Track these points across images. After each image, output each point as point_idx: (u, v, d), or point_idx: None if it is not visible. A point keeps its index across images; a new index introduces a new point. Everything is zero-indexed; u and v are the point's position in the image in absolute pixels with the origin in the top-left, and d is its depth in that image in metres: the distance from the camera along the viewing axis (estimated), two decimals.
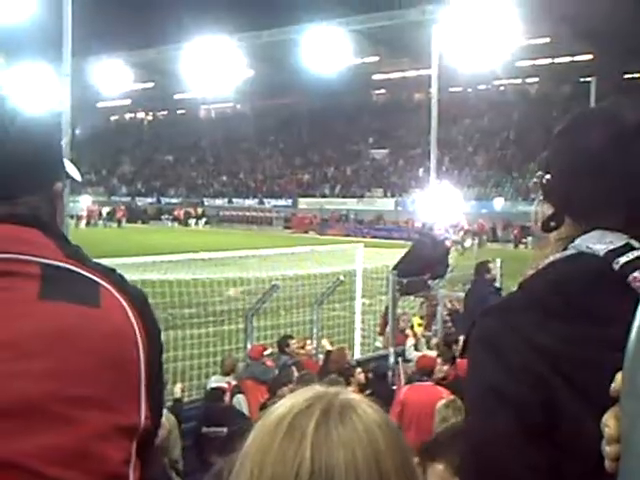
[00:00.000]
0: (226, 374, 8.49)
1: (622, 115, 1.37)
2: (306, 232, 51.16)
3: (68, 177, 1.52)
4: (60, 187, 1.43)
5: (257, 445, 0.93)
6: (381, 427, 0.93)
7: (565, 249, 1.35)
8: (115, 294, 1.26)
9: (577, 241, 1.32)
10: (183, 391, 8.21)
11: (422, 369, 7.64)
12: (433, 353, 9.31)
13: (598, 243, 1.29)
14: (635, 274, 1.20)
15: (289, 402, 0.96)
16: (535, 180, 1.48)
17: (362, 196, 59.09)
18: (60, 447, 1.09)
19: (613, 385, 0.80)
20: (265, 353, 9.12)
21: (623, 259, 1.23)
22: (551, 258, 1.36)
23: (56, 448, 1.09)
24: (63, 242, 1.33)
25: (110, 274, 1.32)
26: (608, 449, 0.78)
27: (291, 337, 9.92)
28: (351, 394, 0.98)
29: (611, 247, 1.27)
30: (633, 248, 1.25)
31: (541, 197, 1.45)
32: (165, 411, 6.88)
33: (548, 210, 1.41)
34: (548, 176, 1.42)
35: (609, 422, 0.79)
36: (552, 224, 1.39)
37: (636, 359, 0.75)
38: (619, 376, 0.79)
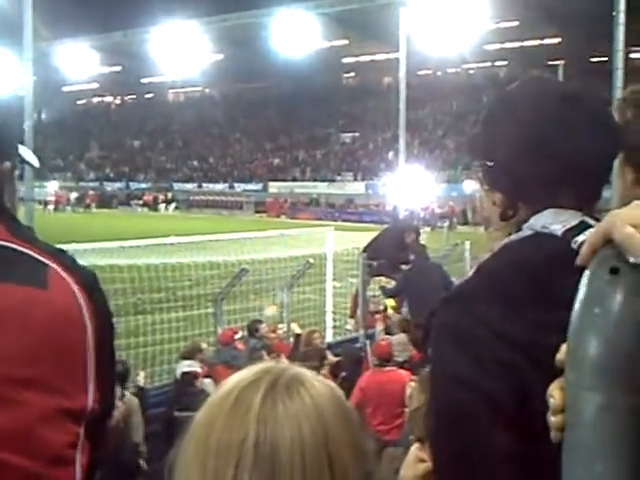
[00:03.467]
0: (188, 358, 8.31)
1: (559, 90, 1.35)
2: (278, 216, 51.11)
3: (24, 162, 1.50)
4: (8, 167, 1.40)
5: (204, 419, 0.92)
6: (330, 401, 0.92)
7: (519, 230, 1.32)
8: (63, 276, 1.24)
9: (531, 221, 1.30)
10: (146, 378, 8.13)
11: (380, 355, 7.59)
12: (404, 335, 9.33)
13: (554, 223, 1.26)
14: (578, 238, 1.19)
15: (237, 377, 0.95)
16: (477, 170, 1.43)
17: (333, 180, 59.05)
18: (0, 429, 1.08)
19: (558, 356, 0.80)
20: (236, 337, 9.09)
21: (581, 238, 1.18)
22: (506, 240, 1.32)
23: None
24: (12, 222, 1.31)
25: (60, 255, 1.29)
26: (553, 419, 0.79)
27: (260, 321, 9.90)
28: (299, 369, 0.97)
29: (568, 226, 1.24)
30: (589, 226, 1.22)
31: (486, 187, 1.40)
32: (127, 393, 6.88)
33: (495, 198, 1.37)
34: (490, 163, 1.38)
35: (554, 393, 0.80)
36: (509, 213, 1.35)
37: (579, 330, 0.76)
38: (564, 347, 0.79)
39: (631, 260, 0.74)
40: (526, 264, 1.24)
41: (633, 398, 0.72)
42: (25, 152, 1.49)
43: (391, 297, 11.08)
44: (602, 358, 0.73)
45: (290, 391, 0.91)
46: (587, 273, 0.78)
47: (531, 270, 1.22)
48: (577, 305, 0.77)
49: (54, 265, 1.25)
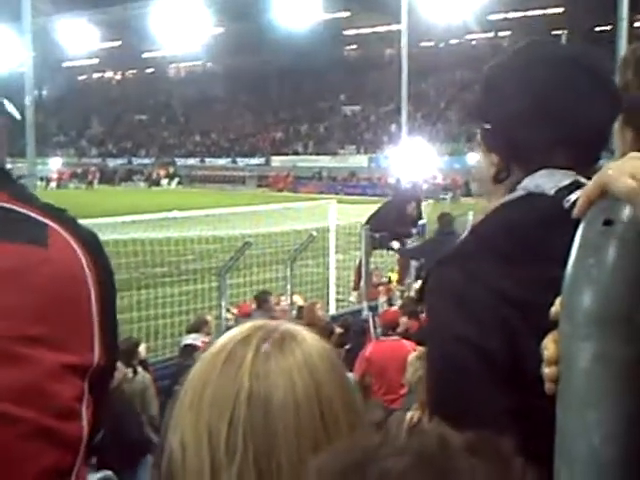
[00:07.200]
0: (195, 331, 8.36)
1: (560, 53, 1.34)
2: (280, 190, 50.99)
3: (6, 114, 1.47)
4: (2, 123, 1.40)
5: (198, 374, 0.95)
6: (321, 356, 0.94)
7: (512, 190, 1.32)
8: (64, 234, 1.24)
9: (525, 181, 1.30)
10: (148, 351, 8.15)
11: (386, 324, 7.65)
12: None
13: (547, 183, 1.27)
14: (570, 197, 1.19)
15: (230, 333, 0.97)
16: (477, 132, 1.42)
17: (335, 153, 58.86)
18: (10, 384, 1.09)
19: (552, 309, 0.81)
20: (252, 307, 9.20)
21: (573, 197, 1.19)
22: (500, 200, 1.33)
23: (6, 385, 1.09)
24: (7, 181, 1.30)
25: (59, 214, 1.29)
26: (547, 371, 0.79)
27: (269, 293, 9.91)
28: (292, 325, 0.98)
29: (560, 185, 1.25)
30: (582, 185, 1.20)
31: (484, 149, 1.39)
32: (140, 370, 6.92)
33: (493, 160, 1.36)
34: (487, 125, 1.37)
35: (548, 345, 0.80)
36: (502, 175, 1.35)
37: (573, 281, 0.76)
38: (558, 300, 0.80)
39: (626, 212, 0.74)
40: (518, 224, 1.25)
41: (627, 348, 0.72)
42: (8, 105, 1.47)
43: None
44: (596, 308, 0.73)
45: (282, 346, 0.93)
46: (582, 224, 0.78)
47: (523, 230, 1.24)
48: (572, 256, 0.77)
49: (54, 224, 1.25)
